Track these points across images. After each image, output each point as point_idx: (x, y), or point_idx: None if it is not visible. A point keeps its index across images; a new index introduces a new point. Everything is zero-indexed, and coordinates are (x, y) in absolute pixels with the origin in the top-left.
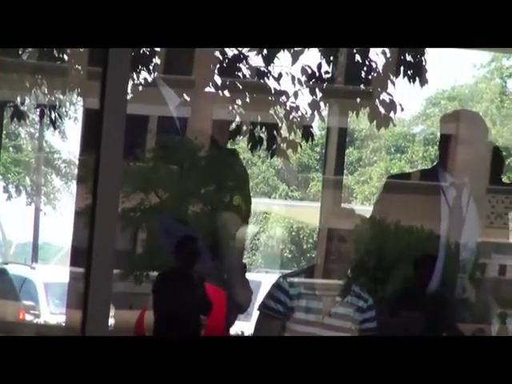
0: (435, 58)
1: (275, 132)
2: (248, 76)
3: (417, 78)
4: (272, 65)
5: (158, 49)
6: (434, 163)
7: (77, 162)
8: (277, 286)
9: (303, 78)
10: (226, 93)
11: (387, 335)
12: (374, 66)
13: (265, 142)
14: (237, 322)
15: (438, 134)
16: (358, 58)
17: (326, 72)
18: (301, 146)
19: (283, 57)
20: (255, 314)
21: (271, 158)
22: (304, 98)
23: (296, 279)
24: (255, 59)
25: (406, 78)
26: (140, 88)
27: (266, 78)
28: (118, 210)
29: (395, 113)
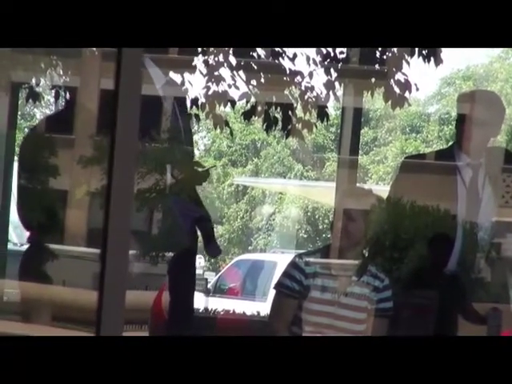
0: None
1: (290, 112)
2: (263, 56)
3: (431, 58)
4: None
5: None
6: (450, 143)
7: (92, 143)
8: (292, 264)
9: (318, 59)
10: (241, 73)
11: (405, 323)
12: None
13: (280, 123)
14: (253, 303)
15: (453, 113)
16: None
17: (341, 52)
18: (316, 126)
19: None
20: (270, 294)
21: (286, 138)
22: (319, 78)
23: (312, 258)
24: None
25: (420, 57)
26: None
27: (280, 59)
28: (133, 190)
29: (410, 92)
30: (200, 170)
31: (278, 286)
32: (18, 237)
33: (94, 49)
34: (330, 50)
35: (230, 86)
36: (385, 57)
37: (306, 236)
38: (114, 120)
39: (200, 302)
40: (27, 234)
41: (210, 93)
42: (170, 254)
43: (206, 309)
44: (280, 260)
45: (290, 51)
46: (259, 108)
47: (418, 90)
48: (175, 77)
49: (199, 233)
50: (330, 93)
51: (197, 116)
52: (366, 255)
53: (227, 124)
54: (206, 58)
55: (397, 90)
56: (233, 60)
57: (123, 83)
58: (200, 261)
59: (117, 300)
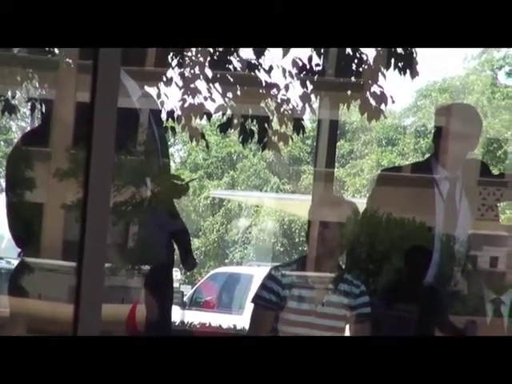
0: (426, 49)
1: (266, 125)
2: (239, 69)
3: (407, 70)
4: (263, 57)
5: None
6: (427, 156)
7: (68, 156)
8: (269, 276)
9: (294, 71)
10: (217, 86)
11: (381, 334)
12: (365, 58)
13: (256, 135)
14: (229, 316)
15: (430, 126)
16: (348, 50)
17: (317, 64)
18: (292, 139)
19: (274, 49)
20: (247, 307)
21: (262, 150)
22: (295, 91)
23: (288, 269)
24: (246, 52)
25: (396, 69)
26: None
27: (256, 71)
28: (109, 203)
29: (386, 105)
30: (178, 183)
31: (256, 298)
32: None
33: (71, 61)
34: (306, 62)
35: (205, 99)
36: (361, 69)
37: (282, 249)
38: (90, 133)
39: (176, 315)
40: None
41: (185, 105)
42: (147, 267)
43: (181, 322)
44: (256, 273)
45: (266, 63)
46: (235, 120)
47: (393, 102)
48: (151, 89)
49: (176, 246)
50: (306, 105)
51: (173, 128)
52: (342, 267)
53: (203, 137)
54: (182, 70)
55: (373, 102)
56: (209, 72)
57: (99, 96)
58: (176, 274)
59: (93, 313)
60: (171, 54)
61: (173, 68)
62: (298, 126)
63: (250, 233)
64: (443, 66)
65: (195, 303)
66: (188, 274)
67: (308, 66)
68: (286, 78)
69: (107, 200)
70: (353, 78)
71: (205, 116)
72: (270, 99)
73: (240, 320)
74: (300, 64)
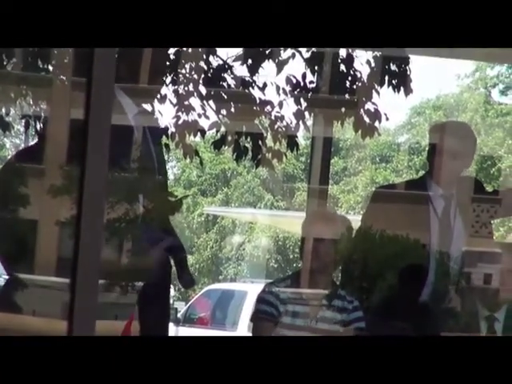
0: (420, 67)
1: (260, 142)
2: (233, 86)
3: (401, 88)
4: (257, 74)
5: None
6: (422, 173)
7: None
8: (266, 291)
9: (288, 88)
10: (211, 103)
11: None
12: (359, 75)
13: (250, 152)
14: (223, 333)
15: (424, 143)
16: (342, 67)
17: (311, 82)
18: (286, 156)
19: (268, 66)
20: (241, 324)
21: (256, 167)
22: (289, 108)
23: (283, 285)
24: (240, 69)
25: (390, 87)
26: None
27: (250, 88)
28: (103, 220)
29: (380, 122)
30: (173, 199)
31: (257, 313)
32: None
33: (64, 78)
34: (300, 79)
35: (199, 116)
36: (354, 86)
37: (276, 265)
38: (84, 150)
39: (170, 332)
40: None
41: (179, 122)
42: (140, 284)
43: None
44: (250, 289)
45: (259, 81)
46: (229, 137)
47: (387, 119)
48: (146, 106)
49: (172, 263)
50: (300, 122)
51: (166, 145)
52: (336, 284)
53: (197, 153)
54: (176, 87)
55: (367, 119)
56: (203, 89)
57: (93, 113)
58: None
59: (86, 330)
60: (165, 71)
61: (167, 85)
62: (292, 143)
63: (243, 249)
64: (437, 83)
65: (189, 320)
66: (182, 290)
67: (302, 83)
68: (279, 95)
69: (101, 216)
70: (347, 96)
71: (199, 133)
72: (263, 116)
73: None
74: (294, 81)
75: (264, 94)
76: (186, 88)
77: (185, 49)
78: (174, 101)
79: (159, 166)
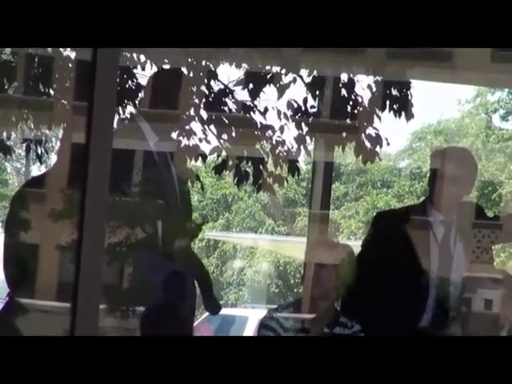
0: (421, 92)
1: (261, 166)
2: (234, 110)
3: (403, 112)
4: (258, 99)
5: (143, 83)
6: (422, 199)
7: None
8: (268, 317)
9: (289, 113)
10: (212, 127)
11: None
12: (360, 100)
13: (251, 177)
14: None
15: (425, 168)
16: (343, 92)
17: (312, 106)
18: (287, 181)
19: (269, 91)
20: None
21: (257, 192)
22: (290, 133)
23: (285, 311)
24: (241, 93)
25: (391, 112)
26: (125, 123)
27: (251, 113)
28: (104, 244)
29: (381, 147)
30: (193, 225)
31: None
32: None
33: (66, 102)
34: (301, 104)
35: (200, 140)
36: (356, 111)
37: (277, 290)
38: (85, 174)
39: None
40: None
41: (180, 147)
42: (141, 309)
43: None
44: (251, 315)
45: (261, 105)
46: (230, 162)
47: (389, 144)
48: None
49: (177, 287)
50: (301, 147)
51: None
52: (338, 308)
53: (198, 178)
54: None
55: (368, 144)
56: (204, 114)
57: (94, 137)
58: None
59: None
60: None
61: (168, 109)
62: (293, 168)
63: (244, 274)
64: (438, 108)
65: None
66: None
67: (303, 108)
68: (281, 119)
69: (102, 241)
70: (348, 120)
71: (200, 158)
72: (265, 141)
73: None
74: (295, 106)
75: (265, 119)
76: (187, 112)
77: (186, 72)
78: (175, 125)
79: (181, 191)
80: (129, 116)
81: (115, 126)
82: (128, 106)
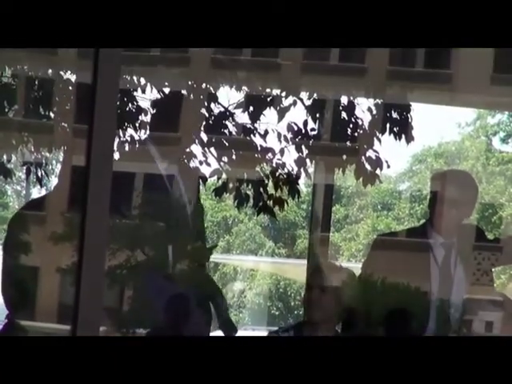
0: (421, 115)
1: (262, 189)
2: (234, 133)
3: (403, 135)
4: (258, 122)
5: (144, 106)
6: (423, 221)
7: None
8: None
9: (289, 135)
10: (212, 150)
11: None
12: (360, 122)
13: (251, 199)
14: None
15: (425, 191)
16: (343, 114)
17: (312, 129)
18: (287, 203)
19: (269, 114)
20: None
21: (258, 215)
22: (290, 155)
23: (286, 333)
24: (241, 116)
25: (391, 134)
26: (126, 145)
27: (252, 135)
28: (104, 267)
29: (381, 170)
30: (199, 247)
31: None
32: None
33: (66, 125)
34: (301, 126)
35: (201, 163)
36: (356, 134)
37: (277, 313)
38: (86, 196)
39: None
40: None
41: (181, 168)
42: (142, 332)
43: None
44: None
45: (261, 128)
46: (230, 185)
47: (389, 167)
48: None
49: (179, 310)
50: (302, 170)
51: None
52: (339, 332)
53: (199, 201)
54: (177, 134)
55: (368, 167)
56: (204, 136)
57: (94, 160)
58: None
59: None
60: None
61: (168, 132)
62: (294, 191)
63: (245, 297)
64: (438, 131)
65: None
66: None
67: (303, 131)
68: (281, 142)
69: (102, 263)
70: (348, 143)
71: (200, 180)
72: (265, 163)
73: None
74: (295, 128)
75: (265, 142)
76: (188, 135)
77: (186, 95)
78: (176, 147)
79: (195, 214)
80: (129, 139)
81: (116, 148)
82: (128, 129)
